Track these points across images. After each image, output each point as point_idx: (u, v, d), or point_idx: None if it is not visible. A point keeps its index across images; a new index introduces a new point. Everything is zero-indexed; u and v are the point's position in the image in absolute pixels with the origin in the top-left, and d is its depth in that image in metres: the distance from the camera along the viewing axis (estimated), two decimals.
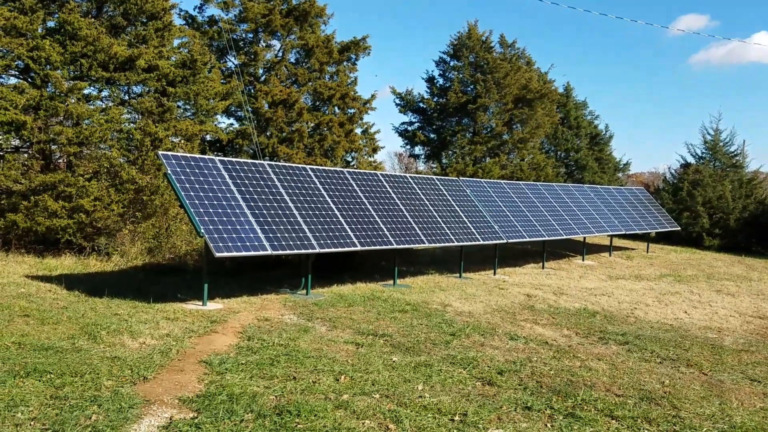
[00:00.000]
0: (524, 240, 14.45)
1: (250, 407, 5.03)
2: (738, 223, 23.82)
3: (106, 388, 5.28)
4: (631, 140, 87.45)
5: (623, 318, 10.05)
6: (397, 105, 24.73)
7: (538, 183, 18.16)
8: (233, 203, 9.53)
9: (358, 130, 19.61)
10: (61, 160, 14.15)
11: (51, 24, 13.25)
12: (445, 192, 13.87)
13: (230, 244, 8.86)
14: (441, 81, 24.77)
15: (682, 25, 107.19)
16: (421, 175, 14.24)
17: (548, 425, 5.14)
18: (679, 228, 22.41)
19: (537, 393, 5.91)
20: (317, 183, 11.26)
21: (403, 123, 25.21)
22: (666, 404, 5.85)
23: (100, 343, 6.66)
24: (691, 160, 27.22)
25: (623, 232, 18.46)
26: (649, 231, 20.18)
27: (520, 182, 17.32)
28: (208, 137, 17.25)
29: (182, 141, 14.36)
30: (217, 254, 8.62)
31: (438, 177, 14.45)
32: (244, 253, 8.95)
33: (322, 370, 6.15)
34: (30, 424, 4.49)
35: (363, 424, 4.87)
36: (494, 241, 13.51)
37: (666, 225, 21.16)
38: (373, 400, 5.41)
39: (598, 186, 21.25)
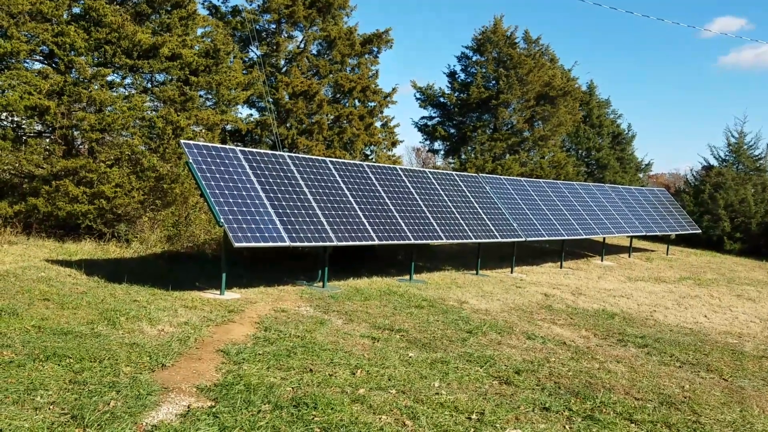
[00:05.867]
0: (543, 238, 14.34)
1: (267, 398, 5.02)
2: (760, 227, 23.48)
3: (124, 374, 5.30)
4: (652, 140, 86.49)
5: (642, 320, 9.94)
6: (417, 99, 24.61)
7: (558, 181, 18.01)
8: (253, 194, 9.54)
9: (378, 124, 19.55)
10: (82, 146, 14.24)
11: (76, 10, 13.32)
12: (464, 188, 13.79)
13: (249, 234, 8.87)
14: (462, 76, 24.60)
15: (718, 26, 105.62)
16: (440, 171, 14.16)
17: (567, 427, 5.08)
18: (700, 231, 22.13)
19: (555, 394, 5.85)
20: (337, 176, 11.24)
21: (422, 118, 25.13)
22: (686, 409, 5.77)
23: (119, 329, 6.70)
24: (713, 162, 26.89)
25: (643, 234, 18.25)
26: (670, 233, 19.95)
27: (540, 180, 17.18)
28: (228, 127, 17.28)
29: (203, 130, 14.40)
30: (236, 244, 8.63)
31: (457, 173, 14.37)
32: (262, 244, 8.95)
33: (338, 364, 6.13)
34: (49, 408, 4.52)
35: (380, 419, 4.84)
36: (513, 239, 13.42)
37: (687, 227, 20.90)
38: (389, 395, 5.38)
39: (619, 186, 21.04)
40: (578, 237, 15.51)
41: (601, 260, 17.63)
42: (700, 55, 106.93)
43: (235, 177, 9.58)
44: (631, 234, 17.83)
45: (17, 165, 12.64)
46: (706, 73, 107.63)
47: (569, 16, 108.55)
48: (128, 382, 5.11)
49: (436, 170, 14.11)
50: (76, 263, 10.34)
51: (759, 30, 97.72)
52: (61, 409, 4.52)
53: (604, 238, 17.66)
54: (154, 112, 13.91)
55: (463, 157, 23.70)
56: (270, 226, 9.24)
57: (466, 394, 5.61)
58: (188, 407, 4.77)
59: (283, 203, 9.80)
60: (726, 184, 24.45)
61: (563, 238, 14.99)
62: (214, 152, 9.70)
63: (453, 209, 12.78)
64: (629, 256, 19.16)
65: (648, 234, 18.56)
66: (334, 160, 11.64)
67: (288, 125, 17.69)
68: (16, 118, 12.96)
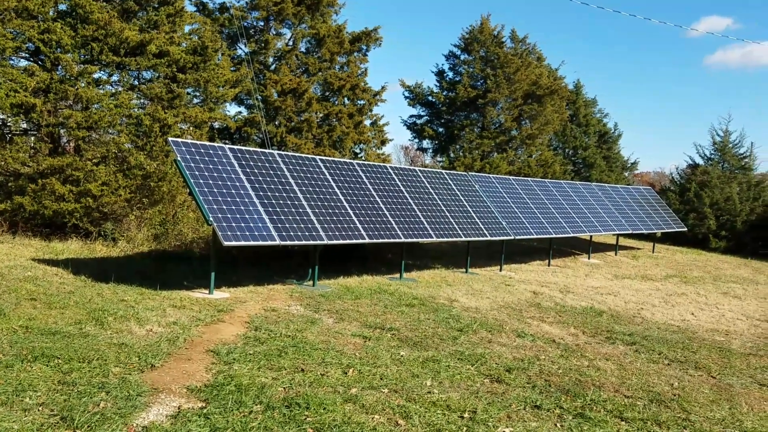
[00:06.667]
0: (531, 237, 14.38)
1: (259, 398, 5.00)
2: (745, 225, 23.73)
3: (114, 375, 5.26)
4: (637, 139, 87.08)
5: (630, 318, 10.00)
6: (406, 98, 24.62)
7: (546, 180, 18.08)
8: (242, 192, 9.49)
9: (367, 122, 19.52)
10: (69, 144, 14.11)
11: (62, 7, 13.18)
12: (453, 186, 13.81)
13: (238, 233, 8.83)
14: (451, 75, 24.64)
15: (704, 26, 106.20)
16: (430, 169, 14.17)
17: (558, 425, 5.10)
18: (686, 229, 22.32)
19: (546, 392, 5.87)
20: (326, 174, 11.21)
21: (411, 116, 25.11)
22: (676, 407, 5.81)
23: (107, 329, 6.64)
24: (699, 160, 27.12)
25: (630, 232, 18.37)
26: (656, 231, 20.10)
27: (529, 178, 17.24)
28: (216, 125, 17.18)
29: (191, 128, 14.31)
30: (226, 243, 8.58)
31: (447, 171, 14.39)
32: (252, 243, 8.91)
33: (330, 363, 6.11)
34: (38, 410, 4.47)
35: (372, 418, 4.83)
36: (502, 237, 13.45)
37: (672, 225, 21.06)
38: (381, 394, 5.37)
39: (606, 184, 21.16)
40: (566, 235, 15.58)
41: (588, 258, 17.72)
42: (687, 55, 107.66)
43: (225, 175, 9.52)
44: (618, 232, 17.95)
45: (3, 163, 12.49)
46: (692, 72, 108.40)
47: (556, 16, 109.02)
48: (117, 383, 5.07)
49: (426, 169, 14.11)
50: (62, 262, 10.24)
51: (745, 29, 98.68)
52: (51, 410, 4.47)
53: (591, 237, 17.77)
54: (141, 110, 13.80)
55: (451, 155, 23.75)
56: (260, 225, 9.20)
57: (458, 392, 5.62)
58: (179, 408, 4.74)
59: (273, 201, 9.76)
60: (711, 183, 24.68)
61: (551, 236, 15.05)
62: (202, 150, 9.64)
63: (443, 207, 12.79)
64: (616, 254, 19.28)
65: (634, 232, 18.69)
66: (324, 158, 11.61)
67: (277, 123, 17.62)
68: (1, 116, 12.81)
